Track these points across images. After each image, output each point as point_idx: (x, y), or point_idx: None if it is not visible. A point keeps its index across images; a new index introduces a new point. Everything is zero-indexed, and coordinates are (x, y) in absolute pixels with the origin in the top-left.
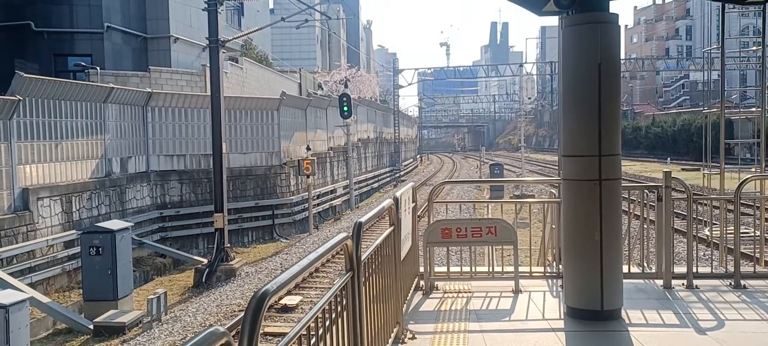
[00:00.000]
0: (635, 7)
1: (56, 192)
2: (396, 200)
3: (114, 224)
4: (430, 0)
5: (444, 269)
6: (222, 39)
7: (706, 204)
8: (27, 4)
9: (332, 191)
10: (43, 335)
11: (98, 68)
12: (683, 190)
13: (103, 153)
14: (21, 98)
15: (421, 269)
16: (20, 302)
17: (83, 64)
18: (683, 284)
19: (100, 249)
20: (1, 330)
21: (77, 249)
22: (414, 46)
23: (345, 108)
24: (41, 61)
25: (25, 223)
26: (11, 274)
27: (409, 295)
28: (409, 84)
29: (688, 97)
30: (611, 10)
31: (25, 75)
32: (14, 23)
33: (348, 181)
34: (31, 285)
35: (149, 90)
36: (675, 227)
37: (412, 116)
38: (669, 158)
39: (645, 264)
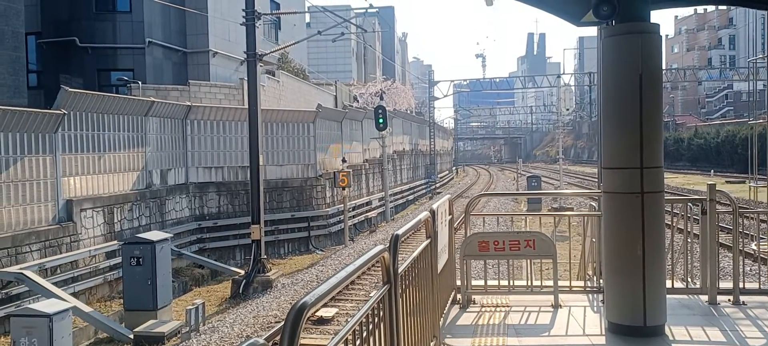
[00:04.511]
0: (676, 17)
1: (99, 203)
2: (432, 213)
3: (154, 235)
4: (466, 12)
5: (481, 282)
6: (259, 53)
7: (752, 218)
8: (72, 21)
9: (368, 203)
10: (85, 343)
11: (140, 82)
12: (728, 203)
13: (144, 165)
14: (66, 112)
15: (458, 283)
16: (63, 312)
17: (125, 78)
18: (729, 300)
19: (140, 260)
20: (45, 338)
21: (118, 260)
22: (449, 58)
23: (380, 120)
24: (85, 76)
25: (68, 234)
26: (55, 283)
27: (446, 308)
28: (445, 96)
29: (731, 108)
30: (652, 20)
31: (70, 89)
32: (60, 39)
33: (383, 193)
34: (74, 295)
35: (189, 103)
36: (720, 241)
37: (448, 128)
38: (712, 170)
39: (689, 279)
